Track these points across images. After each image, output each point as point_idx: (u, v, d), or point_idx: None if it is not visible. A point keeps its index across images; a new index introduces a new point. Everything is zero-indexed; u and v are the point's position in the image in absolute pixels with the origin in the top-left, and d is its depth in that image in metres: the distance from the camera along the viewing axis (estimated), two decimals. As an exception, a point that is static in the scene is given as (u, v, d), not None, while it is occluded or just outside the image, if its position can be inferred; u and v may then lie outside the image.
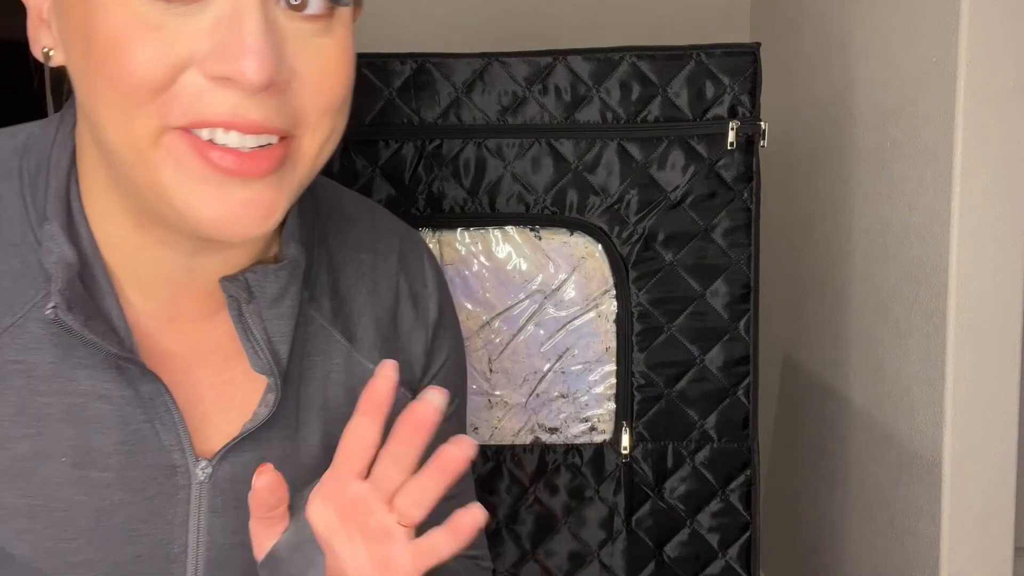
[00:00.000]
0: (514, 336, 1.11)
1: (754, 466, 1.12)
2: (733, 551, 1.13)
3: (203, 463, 0.61)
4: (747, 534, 1.13)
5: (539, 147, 1.08)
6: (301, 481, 0.62)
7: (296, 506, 0.61)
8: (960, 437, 1.00)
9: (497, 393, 1.12)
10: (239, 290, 0.60)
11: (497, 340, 1.11)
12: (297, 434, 0.64)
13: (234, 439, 0.61)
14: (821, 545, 1.40)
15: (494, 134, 1.08)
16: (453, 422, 0.75)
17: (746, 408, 1.11)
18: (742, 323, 1.10)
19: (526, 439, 1.13)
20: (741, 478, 1.12)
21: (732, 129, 1.07)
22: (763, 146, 1.08)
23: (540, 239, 1.10)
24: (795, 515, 1.52)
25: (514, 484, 1.12)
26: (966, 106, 0.95)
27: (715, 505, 1.12)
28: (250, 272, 0.60)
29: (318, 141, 0.56)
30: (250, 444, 0.62)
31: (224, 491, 0.62)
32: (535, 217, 1.09)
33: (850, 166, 1.25)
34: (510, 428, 1.13)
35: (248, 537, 0.61)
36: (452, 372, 0.75)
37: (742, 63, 1.07)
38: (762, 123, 1.07)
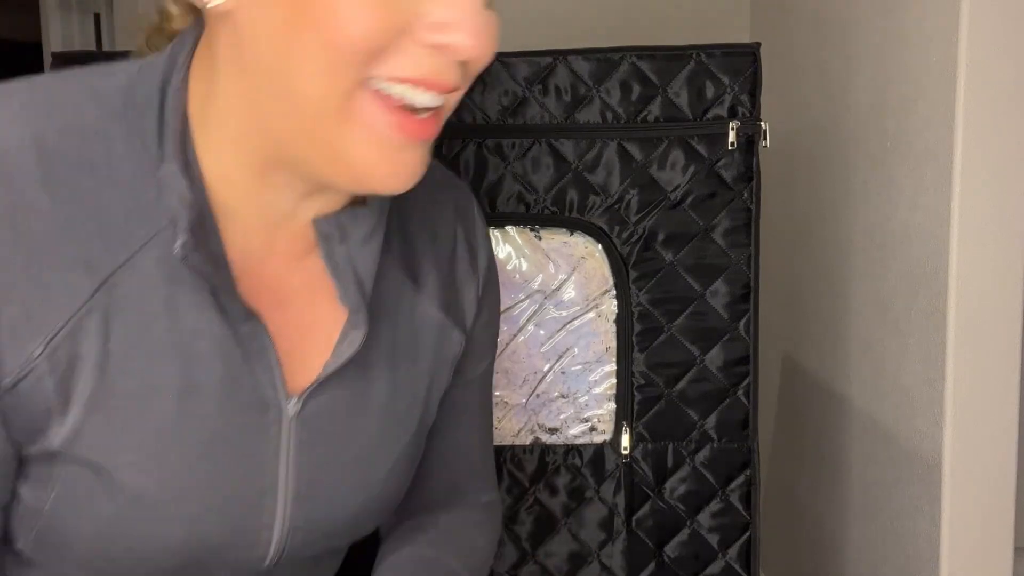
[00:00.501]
0: (514, 336, 1.11)
1: (754, 466, 1.12)
2: (733, 551, 1.13)
3: (293, 399, 0.64)
4: (747, 534, 1.13)
5: (539, 147, 1.08)
6: (370, 419, 0.67)
7: None
8: (960, 437, 1.00)
9: (497, 393, 1.12)
10: (333, 229, 0.63)
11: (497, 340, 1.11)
12: (369, 373, 0.67)
13: (321, 375, 0.64)
14: (821, 545, 1.40)
15: (494, 134, 1.08)
16: (485, 380, 0.80)
17: (746, 408, 1.11)
18: (742, 323, 1.10)
19: (526, 439, 1.13)
20: (741, 478, 1.12)
21: (732, 129, 1.07)
22: (764, 146, 1.08)
23: (540, 239, 1.10)
24: (795, 515, 1.52)
25: (514, 485, 1.12)
26: (966, 106, 0.95)
27: (715, 505, 1.12)
28: (343, 214, 0.64)
29: (455, 101, 0.59)
30: (333, 381, 0.65)
31: (311, 426, 0.65)
32: (535, 217, 1.09)
33: (850, 166, 1.25)
34: (510, 428, 1.13)
35: (332, 471, 0.65)
36: (494, 326, 0.80)
37: (742, 63, 1.07)
38: (762, 123, 1.07)
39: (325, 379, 0.64)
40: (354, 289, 0.64)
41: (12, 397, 0.57)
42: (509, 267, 1.11)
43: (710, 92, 1.07)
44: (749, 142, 1.07)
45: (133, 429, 0.59)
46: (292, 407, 0.63)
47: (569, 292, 1.10)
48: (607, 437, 1.12)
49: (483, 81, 1.08)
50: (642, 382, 1.10)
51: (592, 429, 1.12)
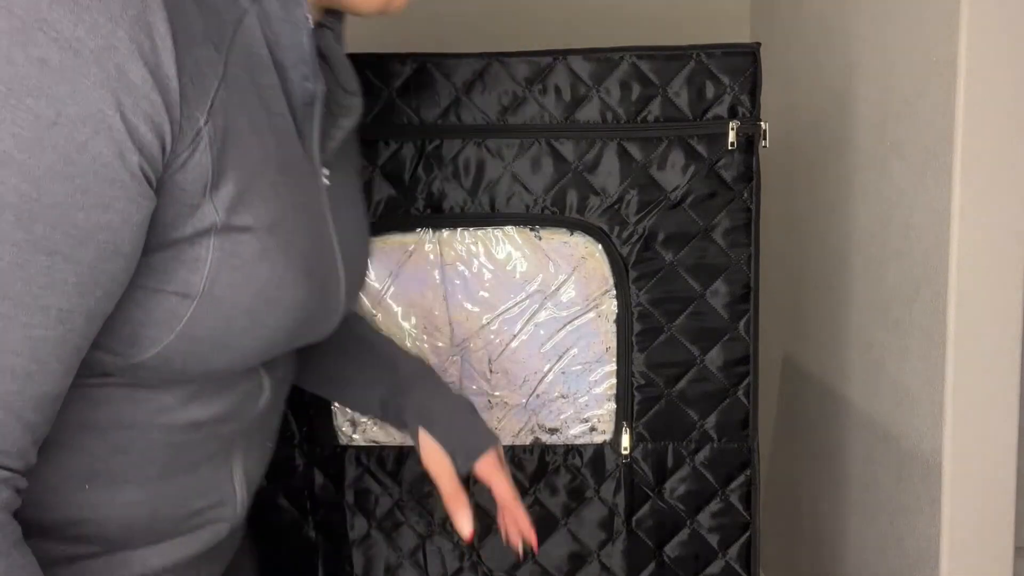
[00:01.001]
0: (514, 336, 1.11)
1: (754, 466, 1.12)
2: (733, 551, 1.13)
3: (324, 169, 0.74)
4: (747, 534, 1.13)
5: (539, 147, 1.08)
6: (355, 192, 0.84)
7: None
8: (960, 437, 1.00)
9: (497, 394, 1.12)
10: (332, 27, 0.76)
11: (497, 340, 1.11)
12: (349, 152, 0.84)
13: (334, 145, 0.75)
14: (821, 545, 1.40)
15: (494, 134, 1.08)
16: None
17: (746, 408, 1.11)
18: (742, 323, 1.10)
19: (526, 440, 1.13)
20: (741, 478, 1.12)
21: (732, 129, 1.07)
22: (764, 146, 1.08)
23: (540, 239, 1.10)
24: (795, 515, 1.52)
25: (514, 484, 1.12)
26: (966, 106, 0.95)
27: (715, 505, 1.12)
28: (333, 16, 0.77)
29: None
30: (335, 156, 0.76)
31: (334, 194, 0.75)
32: (535, 217, 1.09)
33: (850, 166, 1.25)
34: (510, 429, 1.13)
35: (354, 235, 0.79)
36: None
37: (742, 63, 1.07)
38: (762, 123, 1.07)
39: (331, 152, 0.74)
40: (353, 75, 0.77)
41: (181, 175, 0.59)
42: (509, 267, 1.11)
43: (710, 92, 1.07)
44: (749, 142, 1.07)
45: (268, 197, 0.65)
46: (323, 177, 0.73)
47: (569, 292, 1.10)
48: (607, 437, 1.12)
49: (483, 81, 1.08)
50: (642, 382, 1.10)
51: (592, 429, 1.12)
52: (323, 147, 0.73)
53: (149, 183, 0.57)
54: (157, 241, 0.60)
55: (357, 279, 0.79)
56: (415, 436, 0.90)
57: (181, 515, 0.72)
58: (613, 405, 1.11)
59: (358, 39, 1.26)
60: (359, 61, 1.09)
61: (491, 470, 0.90)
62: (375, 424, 1.12)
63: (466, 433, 0.91)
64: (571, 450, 1.12)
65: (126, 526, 0.68)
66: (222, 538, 0.77)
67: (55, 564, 0.65)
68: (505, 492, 0.91)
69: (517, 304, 1.11)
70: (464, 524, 0.86)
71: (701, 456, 1.12)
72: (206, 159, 0.59)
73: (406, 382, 0.93)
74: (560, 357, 1.11)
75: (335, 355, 0.94)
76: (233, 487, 0.76)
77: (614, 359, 1.11)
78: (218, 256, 0.61)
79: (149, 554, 0.71)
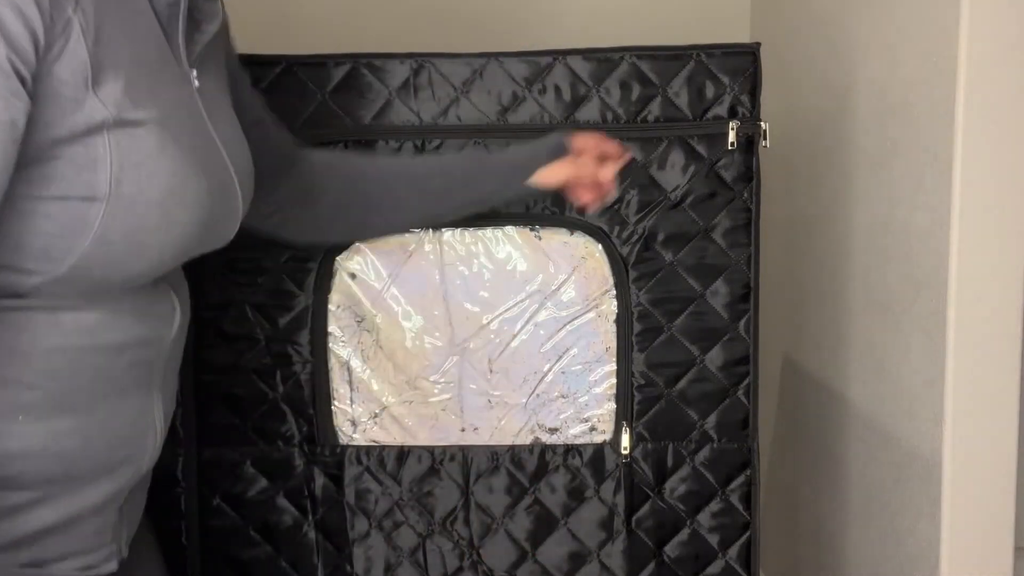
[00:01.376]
0: (514, 336, 1.11)
1: (754, 466, 1.12)
2: (733, 551, 1.13)
3: (193, 71, 0.75)
4: (747, 534, 1.13)
5: (539, 147, 1.08)
6: (224, 95, 0.84)
7: None
8: (960, 437, 1.00)
9: (497, 393, 1.12)
10: None
11: (497, 340, 1.11)
12: (215, 54, 0.83)
13: (199, 49, 0.76)
14: (821, 545, 1.40)
15: (494, 134, 1.08)
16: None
17: (746, 408, 1.11)
18: (742, 323, 1.10)
19: (526, 439, 1.13)
20: (741, 478, 1.12)
21: (732, 129, 1.07)
22: (764, 146, 1.08)
23: (540, 239, 1.10)
24: (795, 515, 1.52)
25: (514, 484, 1.12)
26: (966, 106, 0.95)
27: (715, 505, 1.12)
28: None
29: None
30: (202, 61, 0.77)
31: (206, 97, 0.76)
32: (535, 217, 1.09)
33: (850, 166, 1.25)
34: (510, 428, 1.13)
35: (233, 135, 0.80)
36: None
37: (742, 63, 1.07)
38: (762, 123, 1.07)
39: (197, 56, 0.75)
40: None
41: (58, 66, 0.60)
42: (509, 267, 1.11)
43: (710, 92, 1.07)
44: (749, 142, 1.07)
45: (154, 93, 0.66)
46: (193, 78, 0.74)
47: (569, 292, 1.10)
48: (607, 437, 1.12)
49: (481, 80, 1.08)
50: (642, 382, 1.10)
51: (592, 429, 1.12)
52: (188, 51, 0.75)
53: (21, 80, 0.58)
54: (47, 142, 0.61)
55: (247, 180, 0.81)
56: (517, 186, 0.99)
57: (111, 446, 0.73)
58: (613, 405, 1.11)
59: (358, 39, 1.26)
60: (359, 60, 1.09)
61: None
62: (375, 424, 1.12)
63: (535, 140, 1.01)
64: (571, 450, 1.12)
65: (61, 459, 0.69)
66: (141, 475, 0.78)
67: None
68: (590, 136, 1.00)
69: (517, 304, 1.11)
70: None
71: (701, 456, 1.12)
72: (81, 49, 0.61)
73: (467, 168, 1.02)
74: (560, 357, 1.11)
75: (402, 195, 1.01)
76: (154, 418, 0.77)
77: (614, 359, 1.11)
78: (117, 154, 0.63)
79: (80, 495, 0.71)
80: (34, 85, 0.59)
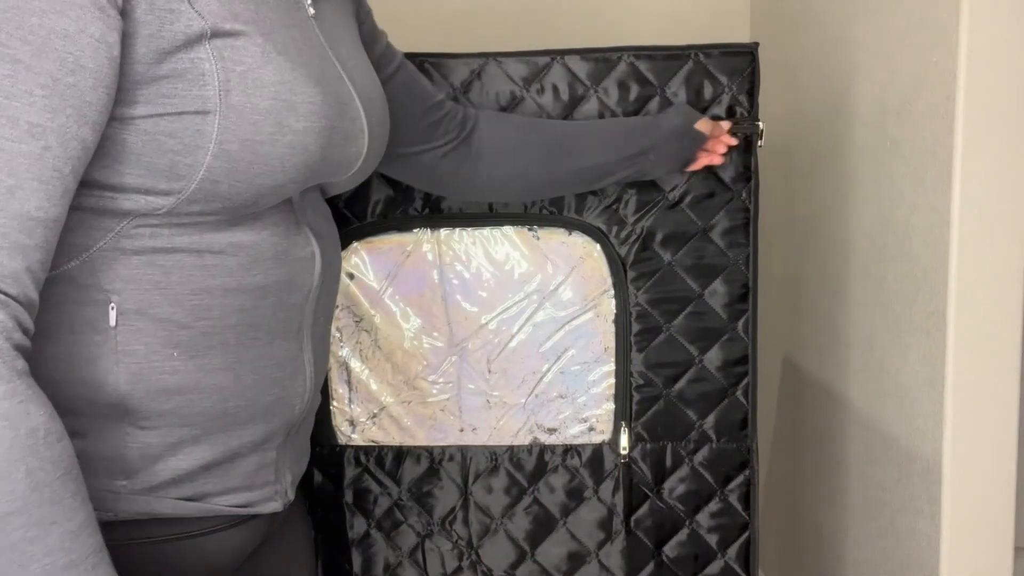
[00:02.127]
0: (513, 336, 1.11)
1: (753, 466, 1.12)
2: (732, 551, 1.13)
3: (307, 0, 0.78)
4: (746, 534, 1.13)
5: (538, 147, 1.07)
6: (351, 31, 0.87)
7: None
8: (960, 437, 1.00)
9: (496, 393, 1.12)
10: None
11: (496, 340, 1.11)
12: None
13: None
14: (821, 545, 1.40)
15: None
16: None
17: (745, 408, 1.11)
18: (741, 323, 1.10)
19: (525, 439, 1.13)
20: (740, 478, 1.12)
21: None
22: (761, 146, 1.08)
23: (538, 239, 1.10)
24: (795, 515, 1.52)
25: (513, 484, 1.12)
26: (966, 106, 0.95)
27: (714, 505, 1.12)
28: None
29: None
30: None
31: (325, 29, 0.79)
32: (533, 217, 1.09)
33: (850, 166, 1.25)
34: (509, 428, 1.13)
35: (357, 66, 0.81)
36: None
37: (740, 63, 1.07)
38: (760, 123, 1.07)
39: None
40: None
41: None
42: (507, 267, 1.11)
43: (708, 92, 1.07)
44: (747, 142, 1.07)
45: (252, 5, 0.69)
46: (309, 7, 0.77)
47: (567, 292, 1.10)
48: (606, 437, 1.12)
49: (480, 80, 1.08)
50: (641, 382, 1.10)
51: (591, 429, 1.12)
52: None
53: None
54: (152, 55, 0.64)
55: (374, 107, 0.82)
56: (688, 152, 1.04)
57: (261, 386, 0.76)
58: (612, 405, 1.11)
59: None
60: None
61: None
62: (374, 424, 1.12)
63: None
64: (570, 450, 1.12)
65: (215, 395, 0.73)
66: (295, 417, 0.80)
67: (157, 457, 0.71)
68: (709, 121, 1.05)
69: (516, 304, 1.11)
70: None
71: (700, 456, 1.12)
72: None
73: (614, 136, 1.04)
74: (559, 357, 1.11)
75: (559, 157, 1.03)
76: (303, 362, 0.80)
77: (612, 359, 1.11)
78: (221, 64, 0.65)
79: (236, 433, 0.75)
80: (124, 3, 0.62)
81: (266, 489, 0.79)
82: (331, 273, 0.84)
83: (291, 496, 0.83)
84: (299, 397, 0.80)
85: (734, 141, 1.04)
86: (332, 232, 0.85)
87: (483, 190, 1.05)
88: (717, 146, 1.04)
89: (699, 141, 1.03)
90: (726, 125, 1.05)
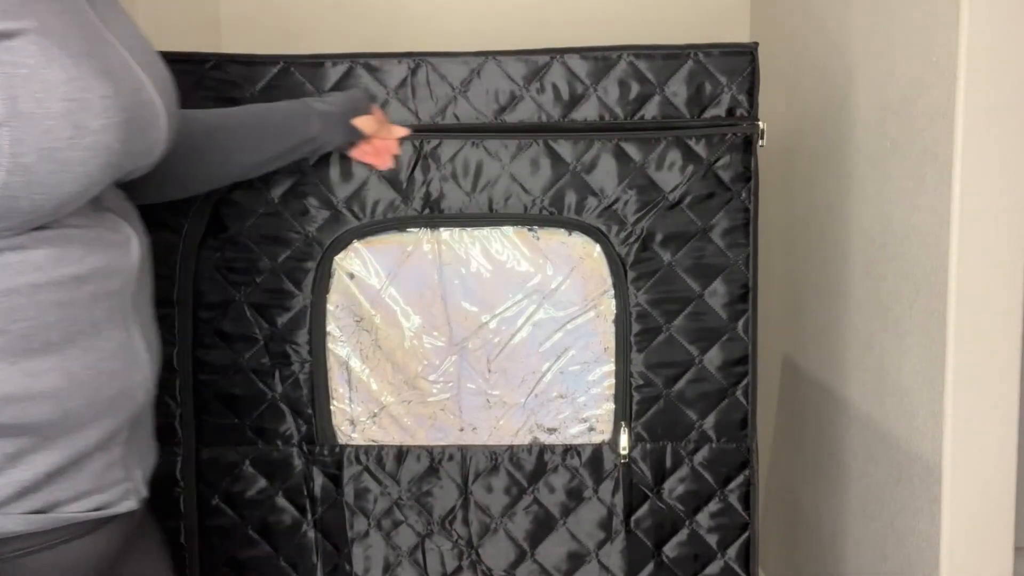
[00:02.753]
0: (512, 336, 1.11)
1: (753, 466, 1.12)
2: (732, 551, 1.13)
3: None
4: (746, 534, 1.13)
5: (537, 147, 1.08)
6: (123, 13, 0.82)
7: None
8: (960, 437, 1.00)
9: (495, 393, 1.12)
10: None
11: (495, 340, 1.11)
12: None
13: None
14: (821, 545, 1.40)
15: (492, 133, 1.08)
16: None
17: (745, 408, 1.11)
18: (740, 323, 1.10)
19: (524, 439, 1.13)
20: (740, 478, 1.12)
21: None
22: (761, 145, 1.08)
23: (538, 239, 1.10)
24: (795, 515, 1.52)
25: (512, 484, 1.12)
26: (966, 106, 0.95)
27: (714, 505, 1.12)
28: None
29: None
30: None
31: (100, 13, 0.75)
32: (533, 217, 1.09)
33: (850, 166, 1.25)
34: (509, 428, 1.13)
35: (135, 48, 0.76)
36: None
37: (740, 63, 1.07)
38: (760, 123, 1.07)
39: None
40: None
41: None
42: (507, 267, 1.10)
43: (708, 91, 1.07)
44: (747, 142, 1.07)
45: (23, 3, 0.64)
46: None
47: (567, 292, 1.10)
48: (606, 437, 1.12)
49: (479, 79, 1.08)
50: (640, 382, 1.10)
51: (591, 429, 1.12)
52: None
53: None
54: None
55: (165, 88, 0.79)
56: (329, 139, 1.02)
57: (99, 381, 0.73)
58: (611, 405, 1.11)
59: (358, 39, 1.26)
60: (357, 60, 1.09)
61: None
62: (374, 423, 1.12)
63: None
64: (569, 450, 1.12)
65: (51, 400, 0.69)
66: (138, 408, 0.78)
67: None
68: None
69: (515, 304, 1.11)
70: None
71: (700, 456, 1.12)
72: None
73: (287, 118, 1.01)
74: (558, 357, 1.11)
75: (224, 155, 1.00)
76: (136, 349, 0.77)
77: (612, 359, 1.11)
78: (1, 71, 0.62)
79: (81, 435, 0.72)
80: None
81: (118, 488, 0.76)
82: (146, 253, 0.81)
83: (144, 493, 0.80)
84: (140, 387, 0.78)
85: (397, 150, 1.06)
86: (134, 211, 0.82)
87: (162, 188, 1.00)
88: (382, 153, 1.06)
89: (355, 136, 1.04)
90: (399, 131, 1.06)
